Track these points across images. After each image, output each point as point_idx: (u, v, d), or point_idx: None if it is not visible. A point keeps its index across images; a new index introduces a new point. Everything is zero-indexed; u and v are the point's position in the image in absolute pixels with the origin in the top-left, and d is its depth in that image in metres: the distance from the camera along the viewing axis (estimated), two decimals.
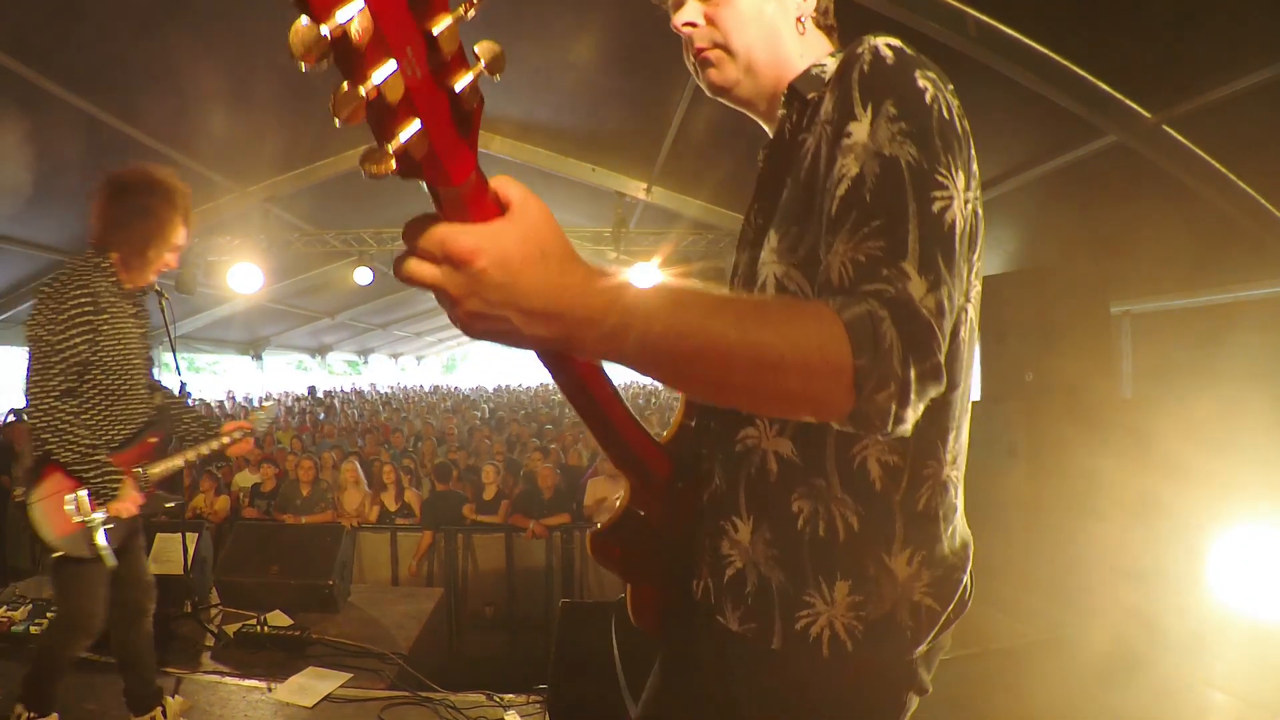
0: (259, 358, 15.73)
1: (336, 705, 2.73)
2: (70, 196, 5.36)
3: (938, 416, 0.82)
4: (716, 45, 0.93)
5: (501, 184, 0.60)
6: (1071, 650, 3.22)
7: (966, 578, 0.88)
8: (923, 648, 0.84)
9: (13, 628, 3.08)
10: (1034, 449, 4.26)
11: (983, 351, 4.99)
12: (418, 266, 0.57)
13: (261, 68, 4.56)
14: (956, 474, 0.87)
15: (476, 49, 0.54)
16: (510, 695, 2.83)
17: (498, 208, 0.59)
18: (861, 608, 0.81)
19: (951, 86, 0.78)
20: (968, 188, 0.75)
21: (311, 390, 16.06)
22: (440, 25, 0.50)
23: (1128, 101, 3.38)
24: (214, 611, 3.63)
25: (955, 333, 0.76)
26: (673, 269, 7.46)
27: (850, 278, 0.68)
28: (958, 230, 0.72)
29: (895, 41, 0.77)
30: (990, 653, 3.28)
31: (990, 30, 3.22)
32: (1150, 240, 4.66)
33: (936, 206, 0.70)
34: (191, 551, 3.54)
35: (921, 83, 0.75)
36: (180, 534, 3.61)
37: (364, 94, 0.47)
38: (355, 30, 0.46)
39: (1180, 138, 3.46)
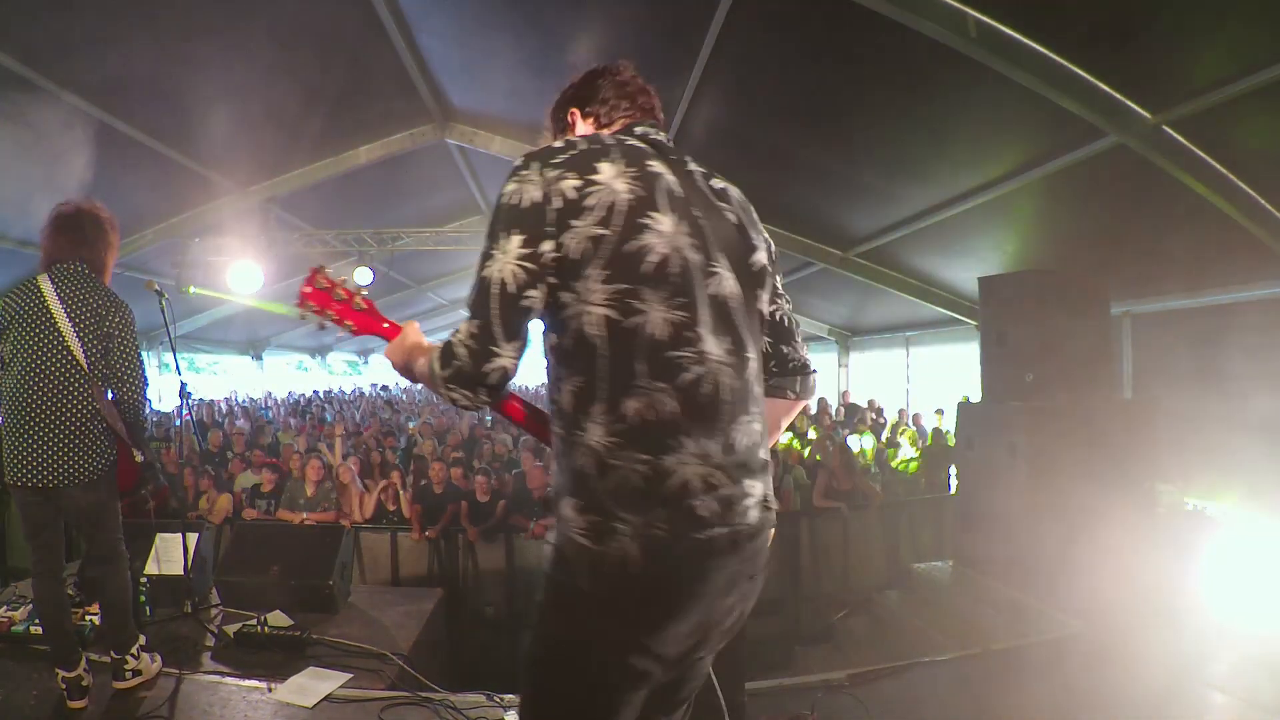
0: (259, 358, 15.74)
1: (336, 705, 2.72)
2: (71, 196, 5.35)
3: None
4: None
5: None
6: (1071, 650, 3.22)
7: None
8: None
9: (13, 628, 3.06)
10: (1034, 449, 4.25)
11: (983, 352, 4.99)
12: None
13: (262, 69, 4.56)
14: None
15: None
16: (510, 695, 2.82)
17: (398, 329, 1.42)
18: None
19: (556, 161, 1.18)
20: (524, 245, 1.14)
21: (315, 394, 16.09)
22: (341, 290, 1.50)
23: (1128, 102, 3.38)
24: (214, 611, 3.62)
25: (565, 326, 1.13)
26: None
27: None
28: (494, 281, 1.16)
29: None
30: (990, 653, 3.28)
31: (990, 31, 3.22)
32: (1151, 240, 4.66)
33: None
34: (192, 551, 3.54)
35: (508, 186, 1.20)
36: (180, 534, 3.61)
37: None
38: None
39: (1180, 139, 3.47)
